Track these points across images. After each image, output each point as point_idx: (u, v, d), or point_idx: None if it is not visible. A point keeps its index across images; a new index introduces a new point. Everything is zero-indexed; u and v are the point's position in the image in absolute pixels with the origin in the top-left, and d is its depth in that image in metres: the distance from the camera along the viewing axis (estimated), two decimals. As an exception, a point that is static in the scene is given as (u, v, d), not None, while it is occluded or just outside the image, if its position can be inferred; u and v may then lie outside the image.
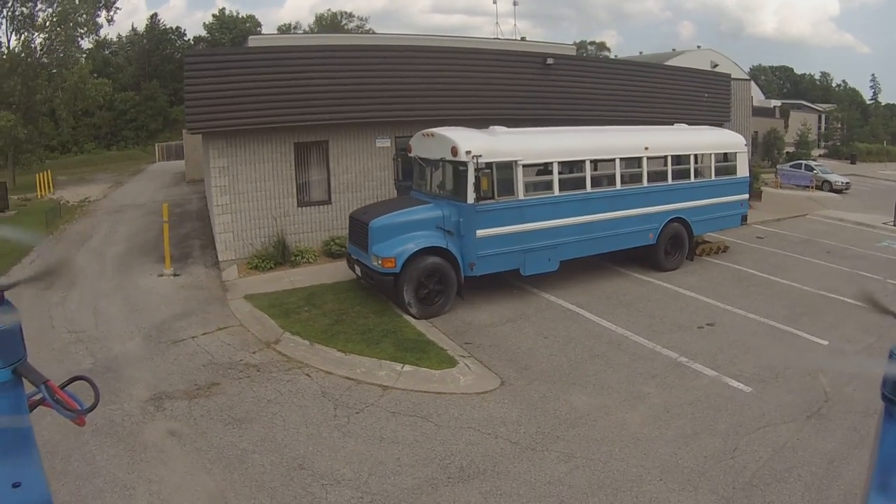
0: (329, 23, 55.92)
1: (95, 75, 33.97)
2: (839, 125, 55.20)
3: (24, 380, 1.75)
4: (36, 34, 28.55)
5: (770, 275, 13.35)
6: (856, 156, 46.99)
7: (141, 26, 52.76)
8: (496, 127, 11.87)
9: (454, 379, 8.31)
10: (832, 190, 28.50)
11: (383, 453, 6.57)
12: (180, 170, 32.45)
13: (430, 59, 14.76)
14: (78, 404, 1.89)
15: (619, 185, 12.10)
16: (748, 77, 21.71)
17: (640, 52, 52.00)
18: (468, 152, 10.30)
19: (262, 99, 12.91)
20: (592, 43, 79.67)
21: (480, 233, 10.57)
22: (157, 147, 42.84)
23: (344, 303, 11.01)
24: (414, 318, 10.29)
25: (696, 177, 13.33)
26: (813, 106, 60.07)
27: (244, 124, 12.99)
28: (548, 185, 11.32)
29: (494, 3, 41.99)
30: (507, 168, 10.76)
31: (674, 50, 43.84)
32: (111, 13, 31.86)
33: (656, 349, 9.26)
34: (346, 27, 56.59)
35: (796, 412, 7.45)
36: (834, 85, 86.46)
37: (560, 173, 11.39)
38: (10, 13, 27.98)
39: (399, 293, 10.35)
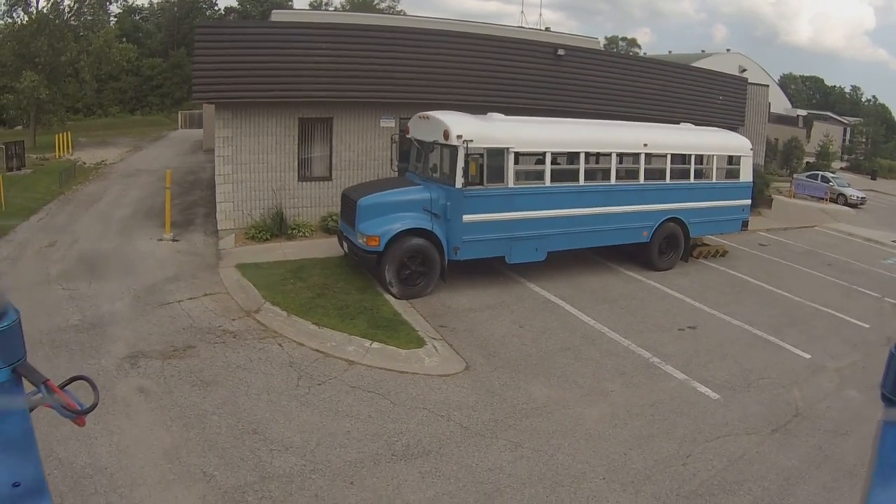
0: (361, 2, 55.79)
1: (124, 39, 34.43)
2: (863, 139, 53.82)
3: (23, 379, 1.73)
4: None
5: (764, 283, 13.17)
6: (877, 171, 45.81)
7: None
8: (493, 114, 11.85)
9: (419, 359, 8.42)
10: (847, 203, 27.83)
11: (335, 425, 6.70)
12: (199, 138, 32.95)
13: (438, 43, 14.72)
14: (78, 404, 1.87)
15: (613, 181, 12.02)
16: (767, 83, 21.16)
17: (670, 52, 51.36)
18: (459, 136, 10.32)
19: (269, 73, 13.05)
20: (624, 39, 78.58)
21: (467, 218, 10.61)
22: (180, 114, 43.31)
23: (329, 278, 11.16)
24: (394, 297, 10.42)
25: (695, 178, 13.17)
26: (839, 118, 58.63)
27: (250, 97, 13.17)
28: (539, 175, 11.28)
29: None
30: (498, 155, 10.75)
31: (703, 51, 43.04)
32: None
33: (630, 347, 9.24)
34: (377, 6, 56.43)
35: (761, 424, 7.36)
36: (864, 99, 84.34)
37: (553, 164, 11.36)
38: None
39: (381, 272, 10.47)
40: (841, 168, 44.97)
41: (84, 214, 15.40)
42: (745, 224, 14.31)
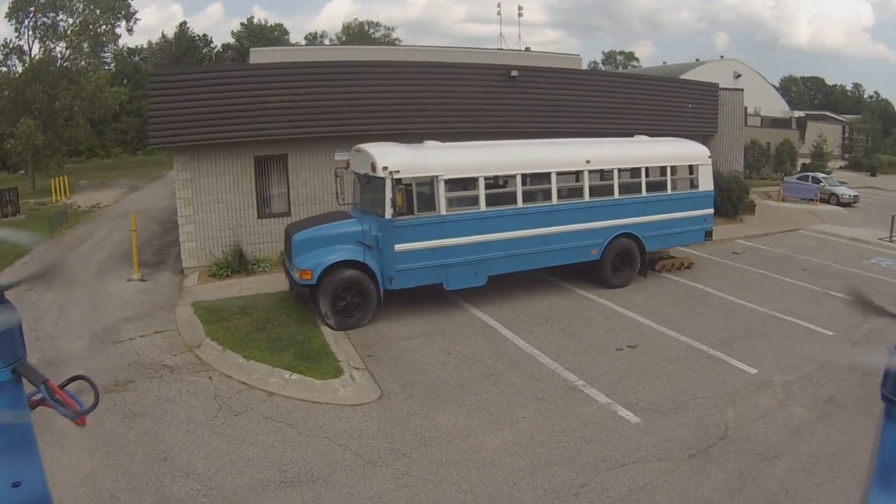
0: (357, 32, 57.01)
1: (125, 81, 35.53)
2: (862, 137, 52.10)
3: (23, 380, 1.76)
4: (57, 43, 30.49)
5: (727, 293, 12.81)
6: (876, 168, 44.26)
7: (173, 34, 55.04)
8: (429, 142, 11.97)
9: (334, 389, 8.49)
10: (839, 203, 26.94)
11: (238, 453, 6.92)
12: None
13: (389, 74, 14.98)
14: (77, 404, 1.92)
15: (555, 200, 11.94)
16: (742, 88, 20.78)
17: (664, 63, 51.20)
18: (385, 168, 10.46)
19: (222, 115, 13.49)
20: (622, 53, 78.56)
21: (399, 247, 10.69)
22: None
23: (273, 312, 11.34)
24: (331, 328, 10.55)
25: (648, 190, 12.97)
26: (837, 117, 56.97)
27: (204, 139, 13.59)
28: (474, 201, 11.33)
29: (519, 14, 41.92)
30: (427, 184, 10.84)
31: (697, 60, 42.64)
32: (131, 23, 33.96)
33: (557, 371, 9.08)
34: (372, 36, 57.51)
35: (679, 449, 7.03)
36: (866, 96, 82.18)
37: (488, 188, 11.38)
38: (32, 22, 29.96)
39: (316, 304, 10.63)
40: (840, 167, 43.71)
41: (67, 257, 16.04)
42: (708, 234, 14.01)
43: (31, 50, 31.12)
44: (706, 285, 13.34)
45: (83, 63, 31.73)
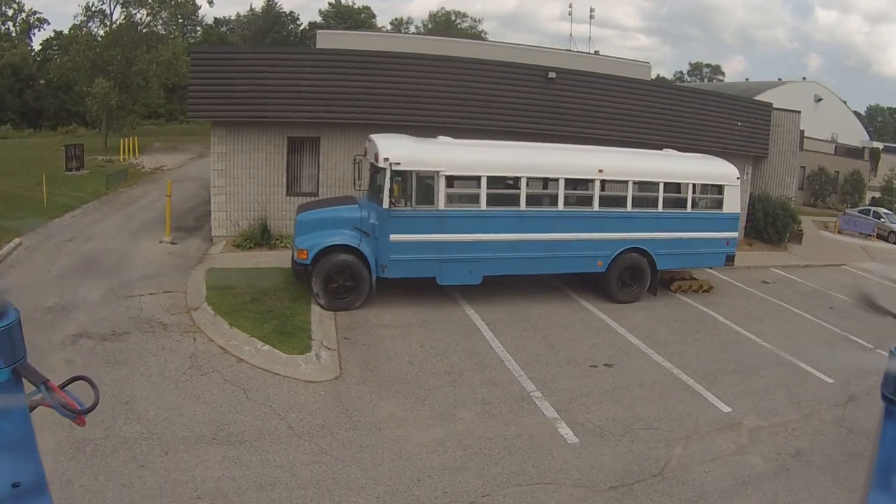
0: (443, 22, 57.30)
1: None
2: None
3: (23, 380, 1.78)
4: (139, 10, 32.43)
5: (736, 323, 12.21)
6: None
7: (261, 8, 56.81)
8: (442, 137, 12.13)
9: (296, 364, 8.92)
10: None
11: (188, 408, 7.52)
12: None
13: (424, 67, 15.15)
14: (78, 404, 1.89)
15: (561, 206, 11.79)
16: (798, 110, 19.31)
17: (746, 79, 48.84)
18: (386, 159, 10.71)
19: (258, 95, 14.15)
20: (708, 66, 75.47)
21: (394, 237, 10.94)
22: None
23: (276, 286, 11.86)
24: (322, 308, 10.97)
25: (664, 206, 12.55)
26: None
27: (241, 117, 14.34)
28: (475, 199, 11.37)
29: (591, 16, 40.50)
30: (428, 178, 11.02)
31: (779, 80, 40.12)
32: None
33: (519, 378, 9.04)
34: (459, 26, 57.64)
35: (602, 478, 6.79)
36: None
37: (490, 188, 11.40)
38: None
39: (310, 284, 11.07)
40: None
41: (114, 215, 17.37)
42: (730, 259, 13.36)
43: (112, 14, 33.25)
44: (718, 312, 12.78)
45: (161, 29, 33.68)
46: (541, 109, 15.53)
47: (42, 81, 42.26)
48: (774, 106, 19.23)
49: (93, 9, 32.88)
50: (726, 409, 8.81)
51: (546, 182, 11.93)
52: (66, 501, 5.73)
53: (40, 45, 48.33)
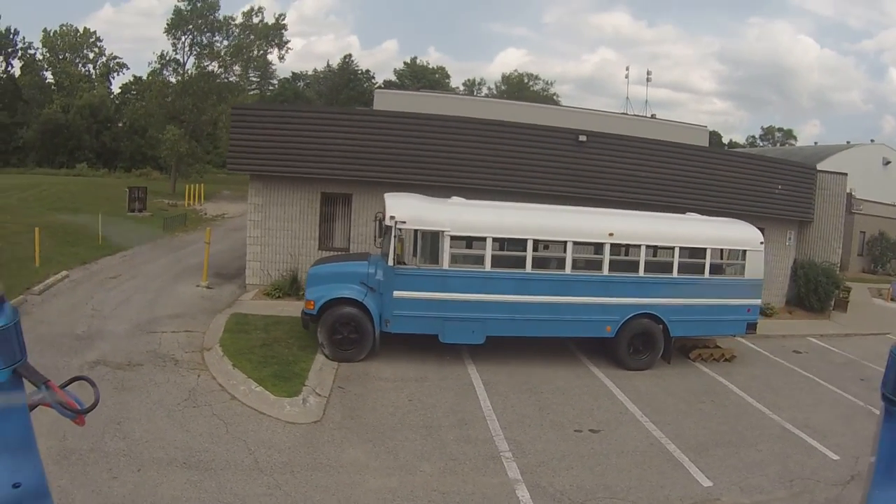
0: (516, 84, 58.73)
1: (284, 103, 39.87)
2: None
3: (24, 380, 1.77)
4: (211, 62, 35.13)
5: (749, 394, 11.55)
6: None
7: (337, 65, 59.66)
8: (455, 198, 12.58)
9: (281, 406, 9.38)
10: None
11: (171, 434, 8.21)
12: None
13: (453, 129, 15.84)
14: (78, 404, 1.90)
15: (568, 270, 11.84)
16: (845, 172, 18.43)
17: (815, 143, 47.08)
18: (392, 217, 11.23)
19: (293, 151, 15.29)
20: (780, 130, 73.54)
21: (398, 294, 11.33)
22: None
23: (290, 334, 12.47)
24: (328, 358, 11.41)
25: (680, 272, 12.30)
26: None
27: (278, 171, 15.45)
28: (480, 260, 11.64)
29: (648, 79, 40.42)
30: (433, 237, 11.44)
31: (848, 143, 38.39)
32: (283, 52, 38.29)
33: (495, 438, 9.04)
34: (531, 88, 58.88)
35: None
36: None
37: (496, 249, 11.64)
38: (189, 40, 34.83)
39: (316, 334, 11.58)
40: None
41: (162, 258, 18.85)
42: (751, 326, 12.80)
43: (185, 63, 36.27)
44: (733, 382, 12.18)
45: (233, 80, 36.37)
46: (569, 172, 15.76)
47: (120, 124, 46.27)
48: (827, 169, 18.55)
49: (167, 57, 35.95)
50: (707, 483, 8.36)
51: (552, 244, 12.04)
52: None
53: (119, 88, 53.12)
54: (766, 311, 17.28)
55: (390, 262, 11.27)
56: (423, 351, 12.04)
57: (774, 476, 8.75)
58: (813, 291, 17.07)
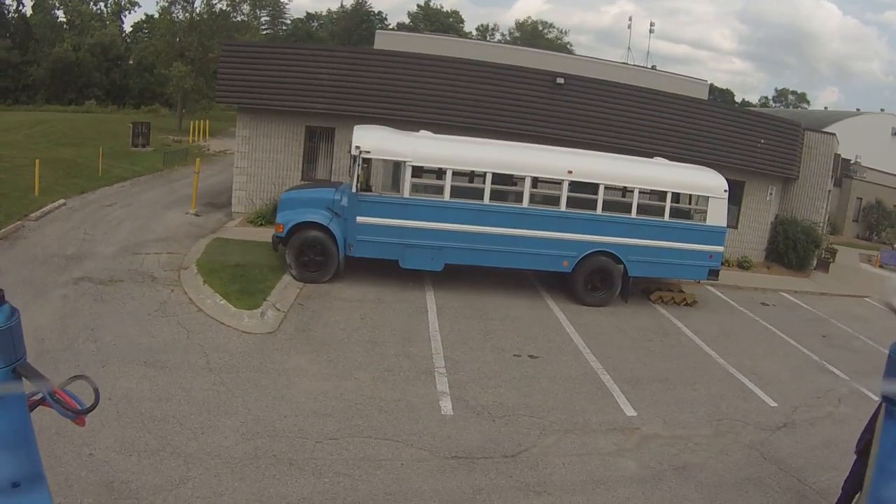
0: (530, 31, 57.52)
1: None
2: None
3: (23, 380, 1.76)
4: (219, 1, 35.04)
5: (701, 339, 11.85)
6: None
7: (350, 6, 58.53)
8: (423, 131, 12.89)
9: (240, 317, 10.05)
10: None
11: (138, 338, 9.02)
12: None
13: (439, 68, 15.97)
14: (78, 404, 1.86)
15: (525, 203, 12.18)
16: (833, 132, 18.13)
17: (825, 108, 45.93)
18: (357, 147, 11.62)
19: (281, 86, 15.58)
20: (793, 93, 71.81)
21: (360, 219, 11.81)
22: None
23: (263, 257, 12.98)
24: (294, 278, 12.02)
25: (639, 213, 12.56)
26: None
27: (264, 105, 15.81)
28: (440, 190, 12.03)
29: (650, 30, 39.34)
30: (395, 167, 11.83)
31: (858, 110, 37.52)
32: None
33: (434, 356, 9.53)
34: (545, 36, 57.62)
35: (450, 447, 7.12)
36: None
37: (455, 181, 12.00)
38: None
39: (284, 255, 12.17)
40: None
41: (158, 188, 19.49)
42: (713, 273, 13.09)
43: (193, 2, 36.11)
44: (688, 325, 12.50)
45: (241, 19, 36.31)
46: (546, 113, 15.87)
47: (130, 62, 46.36)
48: (831, 131, 18.31)
49: None
50: (631, 412, 8.63)
51: (511, 179, 12.34)
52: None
53: (131, 27, 53.33)
54: (743, 265, 17.49)
55: (353, 189, 11.72)
56: (386, 276, 12.54)
57: (703, 414, 8.92)
58: (792, 248, 17.11)
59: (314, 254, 11.99)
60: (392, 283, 12.43)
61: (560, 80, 15.77)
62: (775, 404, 9.63)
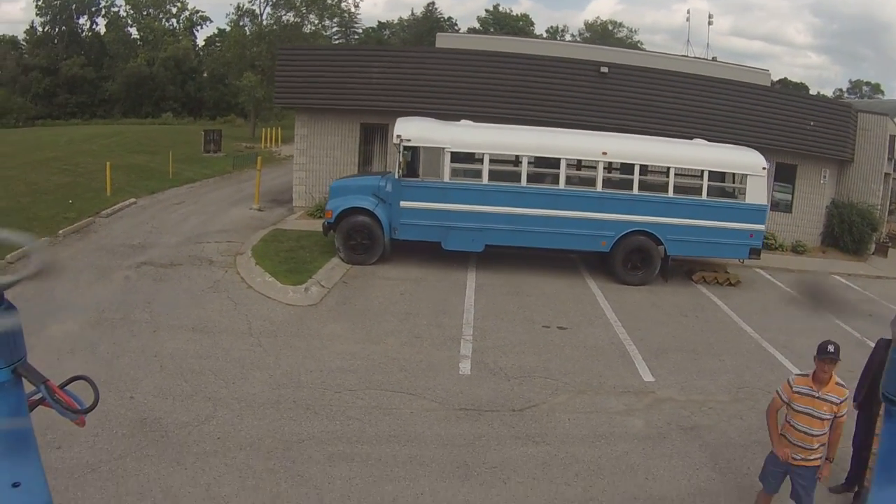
0: (600, 31, 56.97)
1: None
2: None
3: (23, 380, 1.79)
4: (287, 12, 36.57)
5: (739, 315, 11.73)
6: None
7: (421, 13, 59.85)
8: (464, 120, 13.52)
9: (285, 292, 10.98)
10: None
11: (189, 310, 10.01)
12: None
13: (485, 62, 16.56)
14: (78, 404, 1.90)
15: (562, 185, 12.55)
16: (886, 112, 17.10)
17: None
18: (399, 136, 12.42)
19: (336, 86, 16.66)
20: (867, 84, 67.49)
21: (404, 204, 12.57)
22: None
23: (316, 243, 13.93)
24: (342, 261, 12.91)
25: (676, 192, 12.64)
26: None
27: (321, 104, 16.94)
28: (478, 174, 12.59)
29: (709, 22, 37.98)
30: (435, 153, 12.50)
31: None
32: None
33: (465, 325, 10.07)
34: (615, 36, 56.89)
35: (461, 401, 7.58)
36: None
37: (492, 165, 12.54)
38: None
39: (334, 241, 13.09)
40: None
41: (226, 188, 21.07)
42: (754, 252, 12.92)
43: (262, 14, 38.12)
44: (727, 303, 12.39)
45: (310, 29, 38.02)
46: (591, 103, 16.12)
47: (205, 74, 49.12)
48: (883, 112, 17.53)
49: (243, 8, 38.22)
50: (649, 378, 8.75)
51: (547, 161, 12.73)
52: (91, 356, 8.20)
53: (204, 41, 56.34)
54: (797, 249, 16.97)
55: (397, 176, 12.50)
56: (431, 259, 13.21)
57: (724, 382, 8.91)
58: (847, 232, 16.48)
59: (361, 237, 12.84)
60: (436, 265, 13.07)
61: (604, 70, 15.99)
62: (797, 370, 9.39)
